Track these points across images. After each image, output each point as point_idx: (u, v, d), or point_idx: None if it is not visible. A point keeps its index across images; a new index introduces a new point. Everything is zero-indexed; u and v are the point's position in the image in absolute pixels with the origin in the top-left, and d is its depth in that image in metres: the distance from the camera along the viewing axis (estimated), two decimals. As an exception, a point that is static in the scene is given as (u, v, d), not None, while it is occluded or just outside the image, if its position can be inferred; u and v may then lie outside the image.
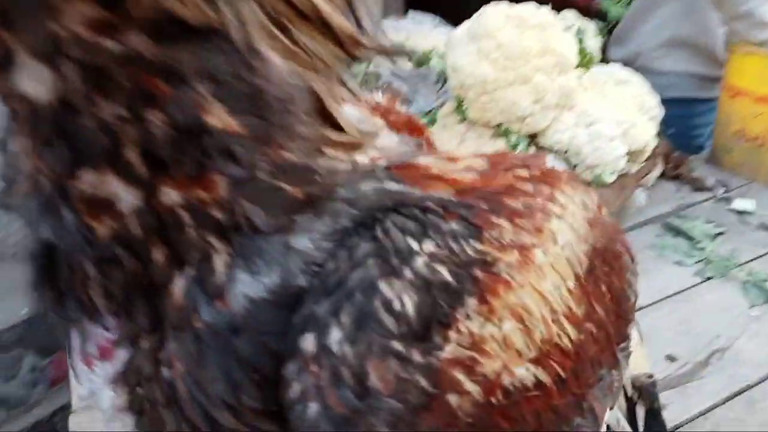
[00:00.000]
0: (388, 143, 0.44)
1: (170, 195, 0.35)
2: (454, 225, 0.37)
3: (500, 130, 1.34)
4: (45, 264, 0.41)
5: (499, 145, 1.33)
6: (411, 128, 0.53)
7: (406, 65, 1.60)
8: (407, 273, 0.35)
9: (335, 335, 0.34)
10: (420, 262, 0.35)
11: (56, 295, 0.41)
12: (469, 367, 0.35)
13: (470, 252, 0.37)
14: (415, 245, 0.36)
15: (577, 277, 0.42)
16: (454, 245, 0.36)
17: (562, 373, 0.40)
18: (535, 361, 0.38)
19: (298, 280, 0.36)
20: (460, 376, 0.35)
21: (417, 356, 0.34)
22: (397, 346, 0.34)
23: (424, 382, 0.34)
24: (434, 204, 0.38)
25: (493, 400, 0.36)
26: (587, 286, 0.43)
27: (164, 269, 0.37)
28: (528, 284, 0.38)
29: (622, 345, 0.49)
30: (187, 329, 0.37)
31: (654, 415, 0.84)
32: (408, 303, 0.34)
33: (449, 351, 0.35)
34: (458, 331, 0.35)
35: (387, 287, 0.34)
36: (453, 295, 0.35)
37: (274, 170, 0.36)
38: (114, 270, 0.37)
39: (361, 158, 0.41)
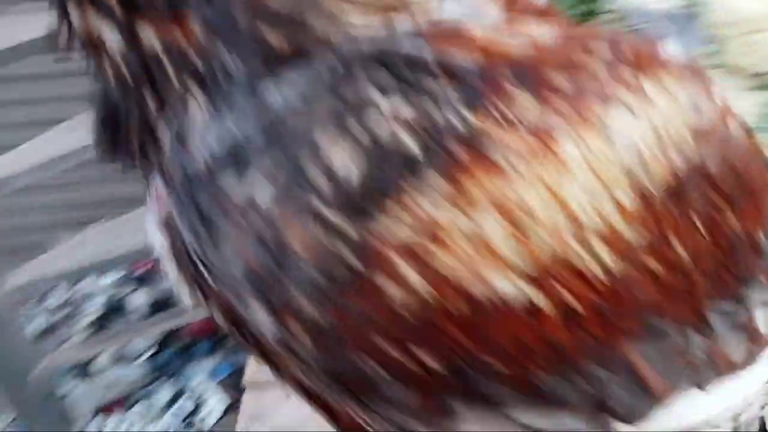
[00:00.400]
0: (454, 10, 0.37)
1: (149, 35, 0.33)
2: (448, 88, 0.29)
3: (763, 81, 1.10)
4: (105, 108, 0.42)
5: (760, 98, 1.09)
6: (541, 13, 0.43)
7: (668, 3, 1.39)
8: (355, 129, 0.28)
9: (256, 185, 0.29)
10: (377, 119, 0.28)
11: (111, 141, 0.42)
12: (413, 254, 0.28)
13: (454, 120, 0.28)
14: (377, 98, 0.29)
15: (640, 193, 0.31)
16: (433, 109, 0.29)
17: (577, 306, 0.30)
18: (532, 280, 0.29)
19: (260, 139, 0.32)
20: (397, 260, 0.28)
21: (348, 227, 0.28)
22: (324, 210, 0.28)
23: (352, 258, 0.28)
24: (435, 63, 0.30)
25: (449, 305, 0.28)
26: (663, 211, 0.32)
27: (157, 117, 0.36)
28: (537, 179, 0.29)
29: (722, 306, 0.36)
30: (172, 182, 0.36)
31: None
32: (348, 163, 0.28)
33: (386, 226, 0.28)
34: (403, 205, 0.28)
35: (325, 141, 0.28)
36: (407, 163, 0.28)
37: (255, 16, 0.32)
38: (129, 115, 0.37)
39: (401, 22, 0.35)
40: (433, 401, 0.32)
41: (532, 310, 0.30)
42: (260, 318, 0.30)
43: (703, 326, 0.35)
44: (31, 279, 1.39)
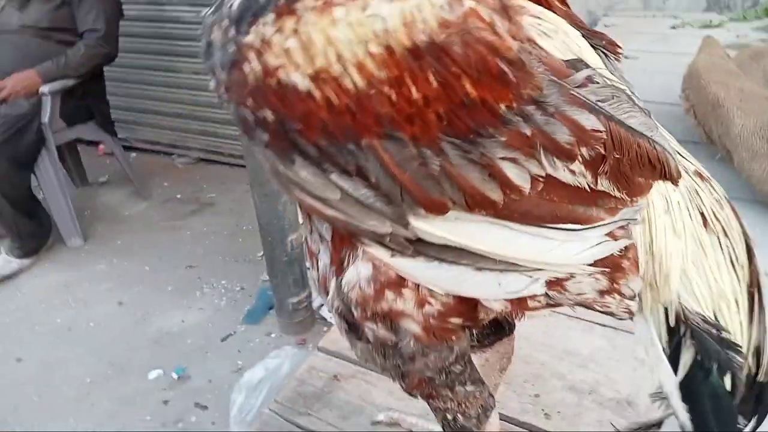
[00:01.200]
0: None
1: None
2: None
3: None
4: None
5: None
6: None
7: None
8: None
9: (211, 11, 0.60)
10: None
11: None
12: (259, 52, 0.56)
13: None
14: None
15: (387, 48, 0.54)
16: None
17: (334, 99, 0.55)
18: (311, 77, 0.55)
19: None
20: (251, 54, 0.56)
21: (233, 32, 0.57)
22: (226, 22, 0.58)
23: (232, 48, 0.57)
24: None
25: (270, 80, 0.56)
26: (404, 62, 0.55)
27: None
28: (317, 25, 0.54)
29: (457, 143, 0.57)
30: None
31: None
32: (236, 4, 0.57)
33: (249, 38, 0.56)
34: (257, 28, 0.56)
35: None
36: (261, 8, 0.56)
37: None
38: None
39: None
40: (279, 148, 0.59)
41: (312, 96, 0.55)
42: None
43: (435, 148, 0.57)
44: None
